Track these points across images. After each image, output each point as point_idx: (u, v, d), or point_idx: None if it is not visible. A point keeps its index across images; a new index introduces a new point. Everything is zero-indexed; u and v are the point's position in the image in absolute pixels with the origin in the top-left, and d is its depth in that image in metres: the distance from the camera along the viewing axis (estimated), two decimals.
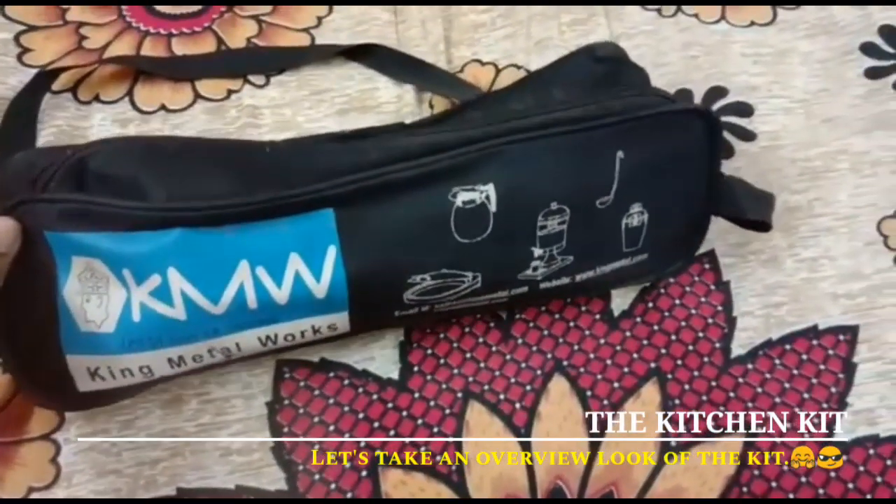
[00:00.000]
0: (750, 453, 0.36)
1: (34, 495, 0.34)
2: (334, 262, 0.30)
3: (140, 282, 0.29)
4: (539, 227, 0.33)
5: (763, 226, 0.37)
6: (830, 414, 0.38)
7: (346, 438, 0.36)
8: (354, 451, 0.36)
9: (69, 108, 0.44)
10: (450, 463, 0.36)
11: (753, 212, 0.37)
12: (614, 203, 0.34)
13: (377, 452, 0.36)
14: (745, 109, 0.46)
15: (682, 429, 0.37)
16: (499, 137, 0.32)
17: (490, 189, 0.31)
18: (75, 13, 0.48)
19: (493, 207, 0.31)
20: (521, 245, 0.33)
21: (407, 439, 0.36)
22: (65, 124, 0.44)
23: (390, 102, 0.46)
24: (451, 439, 0.36)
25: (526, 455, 0.36)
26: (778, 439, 0.37)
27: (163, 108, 0.45)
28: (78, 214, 0.28)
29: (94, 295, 0.29)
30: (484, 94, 0.45)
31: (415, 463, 0.35)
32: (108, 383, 0.30)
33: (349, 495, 0.35)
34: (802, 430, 0.37)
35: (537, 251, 0.33)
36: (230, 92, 0.46)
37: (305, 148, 0.34)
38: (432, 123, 0.39)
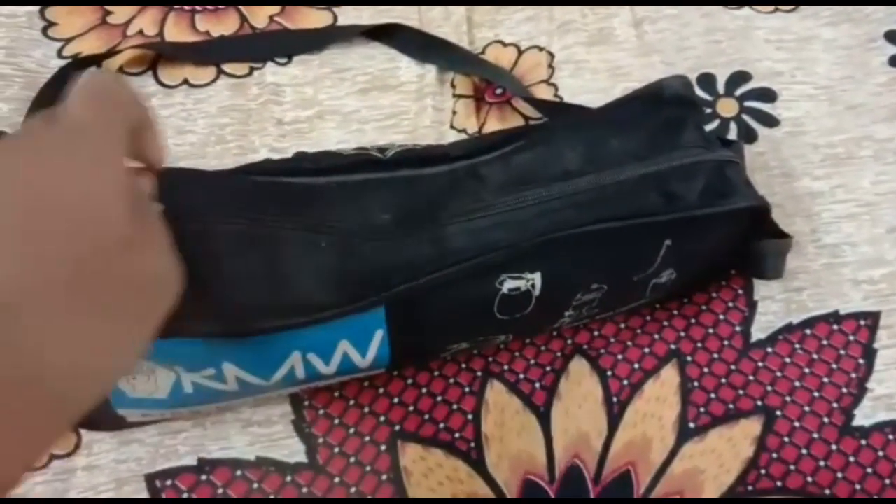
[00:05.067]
0: (768, 436, 0.36)
1: (56, 463, 0.34)
2: (380, 342, 0.31)
3: (192, 371, 0.30)
4: (575, 300, 0.33)
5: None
6: (850, 399, 0.37)
7: (366, 412, 0.36)
8: (374, 426, 0.36)
9: None
10: (469, 439, 0.36)
11: (772, 272, 0.38)
12: (649, 274, 0.34)
13: (396, 427, 0.36)
14: (768, 95, 0.46)
15: (700, 411, 0.37)
16: (552, 233, 0.30)
17: (536, 277, 0.31)
18: None
19: (536, 293, 0.31)
20: (556, 312, 0.34)
21: (426, 414, 0.36)
22: None
23: (412, 82, 0.46)
24: (470, 416, 0.36)
25: (544, 434, 0.36)
26: (797, 423, 0.37)
27: (185, 82, 0.45)
28: None
29: (141, 375, 0.29)
30: (532, 129, 0.39)
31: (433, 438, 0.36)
32: (155, 418, 0.33)
33: (368, 468, 0.35)
34: (822, 413, 0.37)
35: (568, 313, 0.34)
36: (252, 69, 0.46)
37: (356, 242, 0.30)
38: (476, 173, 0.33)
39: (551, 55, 0.48)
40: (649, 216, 0.31)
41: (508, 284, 0.30)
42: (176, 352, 0.28)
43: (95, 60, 0.45)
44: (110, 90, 0.24)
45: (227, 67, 0.46)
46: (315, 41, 0.47)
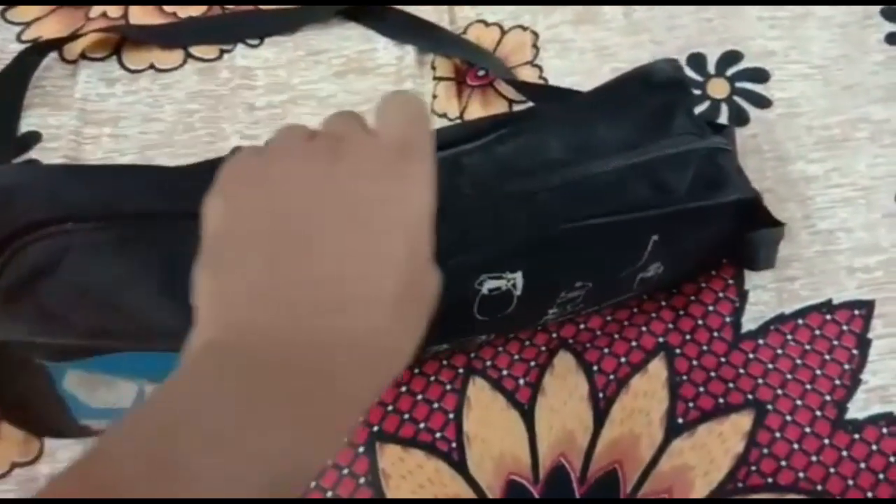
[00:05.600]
0: (759, 431, 0.35)
1: (17, 471, 0.33)
2: None
3: (157, 382, 0.28)
4: (559, 298, 0.32)
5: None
6: (843, 391, 0.36)
7: None
8: None
9: (54, 67, 0.42)
10: (450, 440, 0.34)
11: (765, 263, 0.37)
12: (636, 268, 0.33)
13: (374, 428, 0.34)
14: (761, 75, 0.44)
15: (689, 406, 0.36)
16: (534, 230, 0.29)
17: (518, 277, 0.29)
18: None
19: (518, 292, 0.30)
20: (539, 311, 0.32)
21: (406, 414, 0.35)
22: (49, 85, 0.42)
23: (390, 64, 0.44)
24: (451, 415, 0.35)
25: (529, 432, 0.35)
26: (789, 417, 0.36)
27: (152, 66, 0.43)
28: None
29: (103, 386, 0.28)
30: (516, 116, 0.36)
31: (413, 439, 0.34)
32: None
33: (345, 471, 0.34)
34: (814, 406, 0.36)
35: (552, 310, 0.33)
36: (222, 52, 0.44)
37: None
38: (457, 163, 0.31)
39: (536, 35, 0.46)
40: (637, 211, 0.29)
41: (488, 285, 0.29)
42: (138, 366, 0.27)
43: (56, 45, 0.42)
44: (424, 112, 0.24)
45: (195, 50, 0.43)
46: (288, 21, 0.45)
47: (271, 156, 0.22)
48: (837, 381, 0.37)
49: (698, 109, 0.43)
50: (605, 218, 0.29)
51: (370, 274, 0.20)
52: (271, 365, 0.19)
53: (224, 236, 0.21)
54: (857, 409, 0.36)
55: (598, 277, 0.31)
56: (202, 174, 0.22)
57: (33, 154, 0.40)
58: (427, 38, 0.44)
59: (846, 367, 0.37)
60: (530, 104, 0.42)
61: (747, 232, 0.34)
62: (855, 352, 0.37)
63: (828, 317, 0.38)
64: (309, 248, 0.20)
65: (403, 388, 0.35)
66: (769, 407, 0.36)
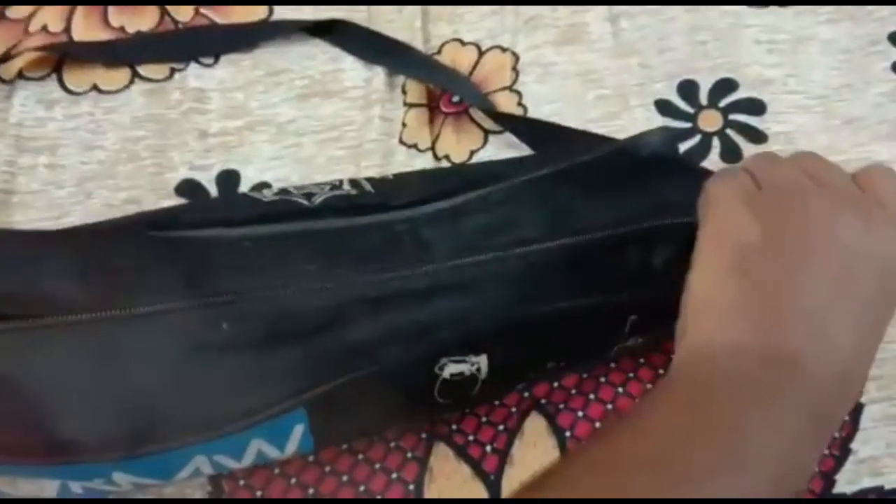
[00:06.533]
0: None
1: None
2: (301, 436, 0.26)
3: (79, 480, 0.25)
4: (528, 377, 0.30)
5: None
6: (832, 461, 0.34)
7: (293, 483, 0.32)
8: (303, 496, 0.32)
9: None
10: None
11: None
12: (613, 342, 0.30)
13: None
14: (756, 107, 0.41)
15: None
16: (500, 313, 0.26)
17: (482, 360, 0.27)
18: None
19: (482, 376, 0.27)
20: (506, 389, 0.31)
21: (361, 486, 0.32)
22: None
23: (357, 87, 0.41)
24: (411, 487, 0.32)
25: None
26: None
27: (94, 88, 0.39)
28: None
29: (22, 479, 0.25)
30: (488, 176, 0.31)
31: None
32: None
33: None
34: None
35: (521, 385, 0.31)
36: (173, 71, 0.40)
37: (275, 331, 0.26)
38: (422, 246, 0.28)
39: (516, 56, 0.42)
40: (611, 293, 0.26)
41: (450, 369, 0.26)
42: (56, 472, 0.24)
43: None
44: None
45: (142, 69, 0.40)
46: (247, 38, 0.41)
47: (782, 187, 0.26)
48: (826, 451, 0.34)
49: (688, 144, 0.40)
50: (576, 300, 0.26)
51: (862, 320, 0.24)
52: (774, 374, 0.22)
53: (756, 250, 0.24)
54: (846, 481, 0.34)
55: (570, 358, 0.28)
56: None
57: None
58: (397, 58, 0.41)
59: (836, 434, 0.34)
60: (504, 140, 0.39)
61: None
62: (846, 418, 0.35)
63: None
64: (827, 271, 0.24)
65: (360, 456, 0.33)
66: None
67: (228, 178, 0.38)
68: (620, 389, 0.35)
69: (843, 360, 0.24)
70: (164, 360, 0.24)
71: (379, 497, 0.32)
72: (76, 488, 0.26)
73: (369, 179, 0.31)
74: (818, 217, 0.25)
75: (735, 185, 0.27)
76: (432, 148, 0.40)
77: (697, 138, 0.40)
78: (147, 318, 0.24)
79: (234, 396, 0.24)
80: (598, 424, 0.34)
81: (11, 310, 0.23)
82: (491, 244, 0.27)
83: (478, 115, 0.40)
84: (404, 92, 0.41)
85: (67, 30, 0.40)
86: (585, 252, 0.27)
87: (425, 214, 0.28)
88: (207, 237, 0.27)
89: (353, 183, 0.31)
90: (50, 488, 0.25)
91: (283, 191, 0.29)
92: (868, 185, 0.27)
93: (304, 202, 0.28)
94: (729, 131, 0.40)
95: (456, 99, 0.41)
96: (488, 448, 0.33)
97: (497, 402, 0.34)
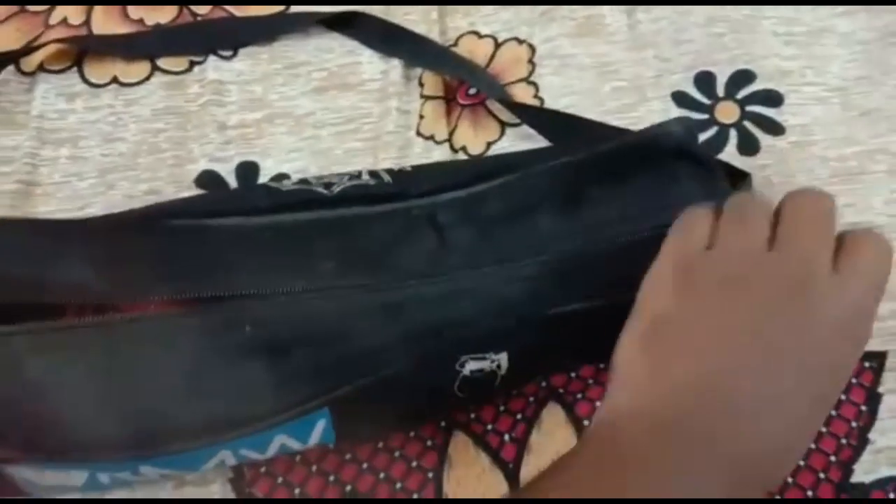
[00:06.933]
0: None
1: None
2: (323, 430, 0.27)
3: (107, 471, 0.26)
4: (547, 371, 0.30)
5: None
6: (850, 451, 0.34)
7: (314, 470, 0.32)
8: (323, 486, 0.32)
9: (9, 81, 0.39)
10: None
11: None
12: None
13: (347, 488, 0.32)
14: (774, 98, 0.41)
15: None
16: (522, 310, 0.26)
17: (503, 357, 0.27)
18: None
19: (503, 372, 0.27)
20: (524, 383, 0.31)
21: (382, 473, 0.33)
22: (4, 100, 0.39)
23: (374, 80, 0.41)
24: (430, 475, 0.33)
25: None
26: (790, 479, 0.33)
27: (115, 80, 0.40)
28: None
29: (49, 470, 0.25)
30: (504, 166, 0.31)
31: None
32: None
33: None
34: (818, 468, 0.34)
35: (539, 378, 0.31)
36: (192, 64, 0.40)
37: (297, 335, 0.26)
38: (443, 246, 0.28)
39: (532, 48, 0.42)
40: (633, 291, 0.26)
41: (470, 366, 0.26)
42: (84, 465, 0.24)
43: (13, 57, 0.39)
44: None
45: (162, 62, 0.40)
46: (265, 31, 0.41)
47: (729, 257, 0.24)
48: (843, 440, 0.34)
49: (705, 136, 0.40)
50: (597, 301, 0.26)
51: (790, 408, 0.23)
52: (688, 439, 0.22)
53: (671, 322, 0.23)
54: (864, 471, 0.34)
55: (589, 353, 0.28)
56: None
57: None
58: (415, 51, 0.41)
59: (853, 424, 0.35)
60: (521, 132, 0.39)
61: None
62: (864, 408, 0.35)
63: None
64: (747, 362, 0.23)
65: (380, 445, 0.33)
66: None
67: (247, 170, 0.38)
68: None
69: (769, 441, 0.23)
70: (188, 364, 0.24)
71: (399, 484, 0.32)
72: (104, 478, 0.26)
73: (388, 170, 0.32)
74: (749, 308, 0.23)
75: (680, 243, 0.25)
76: (449, 139, 0.40)
77: (714, 130, 0.40)
78: (171, 320, 0.24)
79: (258, 399, 0.25)
80: None
81: (33, 297, 0.24)
82: (506, 237, 0.27)
83: (494, 106, 0.40)
84: (421, 84, 0.41)
85: (87, 22, 0.41)
86: (609, 253, 0.27)
87: (442, 202, 0.28)
88: (227, 226, 0.28)
89: (372, 173, 0.31)
90: (78, 478, 0.26)
91: (303, 181, 0.30)
92: (852, 251, 0.24)
93: (324, 191, 0.29)
94: (746, 123, 0.40)
95: (472, 91, 0.41)
96: (507, 437, 0.34)
97: (515, 392, 0.34)
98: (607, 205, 0.28)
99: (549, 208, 0.28)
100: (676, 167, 0.29)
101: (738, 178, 0.33)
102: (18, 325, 0.23)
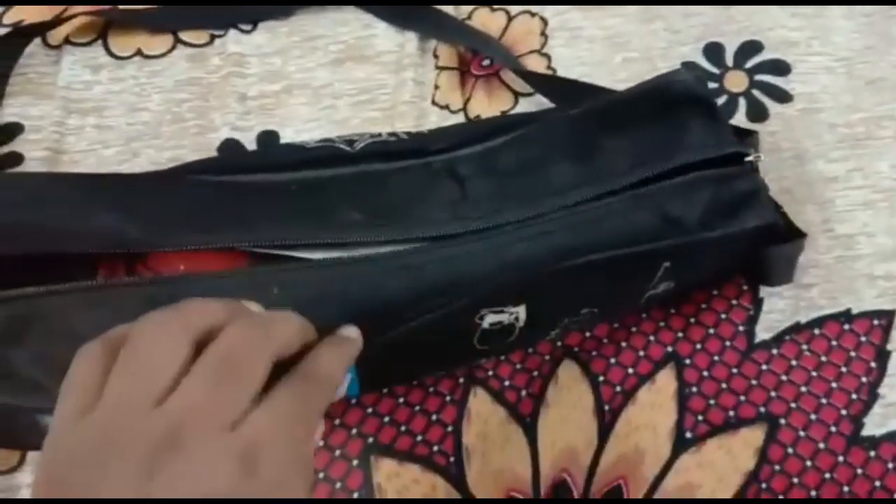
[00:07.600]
0: (771, 446, 0.34)
1: None
2: (349, 382, 0.27)
3: None
4: (563, 323, 0.30)
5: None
6: (860, 405, 0.35)
7: (337, 424, 0.33)
8: (345, 439, 0.33)
9: (36, 53, 0.40)
10: (448, 454, 0.33)
11: (784, 278, 0.35)
12: (645, 289, 0.31)
13: (370, 440, 0.33)
14: (781, 67, 0.42)
15: (698, 419, 0.34)
16: (538, 264, 0.27)
17: (521, 310, 0.27)
18: None
19: (520, 324, 0.28)
20: (541, 335, 0.31)
21: (403, 426, 0.33)
22: (31, 72, 0.40)
23: (390, 52, 0.42)
24: (450, 428, 0.33)
25: (530, 446, 0.33)
26: (802, 432, 0.34)
27: (139, 53, 0.41)
28: None
29: None
30: (519, 121, 0.33)
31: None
32: None
33: (338, 485, 0.32)
34: (829, 422, 0.34)
35: (555, 332, 0.31)
36: (213, 37, 0.41)
37: (322, 294, 0.26)
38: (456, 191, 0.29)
39: (544, 21, 0.43)
40: (646, 243, 0.27)
41: (489, 319, 0.27)
42: None
43: (40, 30, 0.40)
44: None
45: (184, 35, 0.41)
46: (283, 5, 0.42)
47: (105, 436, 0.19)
48: (854, 395, 0.35)
49: None
50: (612, 251, 0.27)
51: None
52: None
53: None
54: (874, 425, 0.34)
55: (604, 304, 0.29)
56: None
57: (15, 146, 0.38)
58: (429, 23, 0.42)
59: (864, 380, 0.35)
60: (534, 101, 0.40)
61: (765, 247, 0.32)
62: (873, 364, 0.36)
63: (846, 327, 0.36)
64: None
65: (401, 399, 0.34)
66: (782, 421, 0.34)
67: (268, 139, 0.39)
68: (652, 337, 0.36)
69: None
70: None
71: (420, 437, 0.33)
72: None
73: (406, 132, 0.32)
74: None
75: (80, 363, 0.20)
76: (464, 109, 0.41)
77: (724, 98, 0.41)
78: (200, 281, 0.25)
79: None
80: (630, 370, 0.35)
81: (65, 247, 0.25)
82: (522, 187, 0.27)
83: (508, 76, 0.41)
84: (436, 56, 0.42)
85: None
86: (613, 208, 0.28)
87: (462, 156, 0.29)
88: (255, 181, 0.29)
89: (391, 134, 0.32)
90: None
91: (326, 139, 0.31)
92: (312, 357, 0.22)
93: (347, 148, 0.30)
94: (755, 91, 0.41)
95: (486, 62, 0.42)
96: (523, 392, 0.34)
97: (531, 351, 0.35)
98: (619, 155, 0.29)
99: (562, 159, 0.28)
100: (686, 117, 0.30)
101: (745, 135, 0.34)
102: (70, 284, 0.24)
